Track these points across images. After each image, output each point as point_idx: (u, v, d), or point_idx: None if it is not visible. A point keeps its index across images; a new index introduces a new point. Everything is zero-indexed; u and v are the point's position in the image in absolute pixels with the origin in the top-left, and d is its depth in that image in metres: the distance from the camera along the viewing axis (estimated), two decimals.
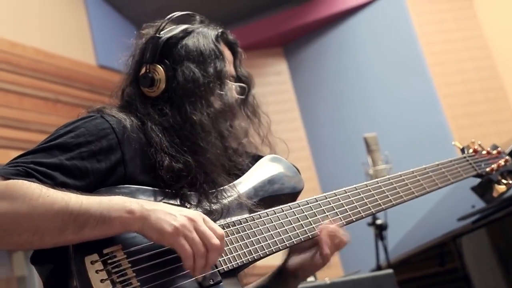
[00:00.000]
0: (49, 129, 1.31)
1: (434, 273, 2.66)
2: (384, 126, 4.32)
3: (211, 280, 1.12)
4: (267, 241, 1.22)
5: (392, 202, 1.41)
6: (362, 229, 2.81)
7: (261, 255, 1.21)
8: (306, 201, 1.32)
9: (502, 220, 2.11)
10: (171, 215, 1.06)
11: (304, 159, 5.01)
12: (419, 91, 4.56)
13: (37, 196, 1.01)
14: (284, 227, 1.26)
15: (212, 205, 1.22)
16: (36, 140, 1.17)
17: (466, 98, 4.55)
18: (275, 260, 1.37)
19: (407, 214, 2.91)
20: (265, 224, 1.24)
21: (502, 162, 1.70)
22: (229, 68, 1.40)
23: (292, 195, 1.36)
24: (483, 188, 2.00)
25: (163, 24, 1.36)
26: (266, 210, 1.27)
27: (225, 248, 1.17)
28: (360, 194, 1.38)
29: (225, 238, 1.17)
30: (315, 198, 1.33)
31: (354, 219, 1.35)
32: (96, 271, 1.02)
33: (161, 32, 1.35)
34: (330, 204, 1.34)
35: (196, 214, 1.09)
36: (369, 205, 1.37)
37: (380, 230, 2.93)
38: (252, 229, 1.22)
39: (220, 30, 1.41)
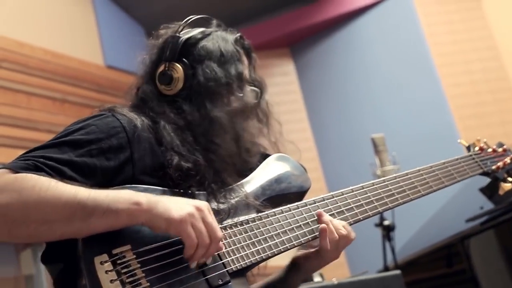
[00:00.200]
0: (57, 129, 1.32)
1: (441, 274, 2.65)
2: (391, 127, 4.32)
3: (220, 280, 1.12)
4: (274, 240, 1.23)
5: (399, 201, 1.42)
6: (369, 229, 2.80)
7: (269, 255, 1.21)
8: (314, 200, 1.33)
9: (511, 221, 2.10)
10: (178, 204, 1.08)
11: (311, 160, 5.00)
12: (427, 92, 4.55)
13: (45, 188, 1.02)
14: (291, 226, 1.26)
15: (220, 204, 1.23)
16: (44, 139, 1.18)
17: (474, 99, 4.54)
18: (286, 260, 1.38)
19: (414, 215, 2.91)
20: (273, 224, 1.25)
21: (508, 160, 1.70)
22: (246, 71, 1.41)
23: (299, 194, 1.37)
24: (492, 189, 1.99)
25: (182, 26, 1.38)
26: (273, 210, 1.28)
27: (233, 248, 1.18)
28: (367, 193, 1.39)
29: (233, 238, 1.19)
30: (323, 197, 1.34)
31: (361, 218, 1.35)
32: (106, 272, 1.03)
33: (180, 33, 1.36)
34: (338, 203, 1.34)
35: (203, 204, 1.11)
36: (376, 204, 1.38)
37: (388, 231, 2.92)
38: (259, 228, 1.23)
39: (238, 34, 1.43)
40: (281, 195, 1.34)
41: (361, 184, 1.40)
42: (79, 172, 1.11)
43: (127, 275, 1.04)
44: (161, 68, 1.34)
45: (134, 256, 1.06)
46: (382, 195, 1.40)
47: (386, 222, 2.92)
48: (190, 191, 1.21)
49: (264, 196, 1.31)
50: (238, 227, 1.21)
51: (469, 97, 4.53)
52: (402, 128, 4.49)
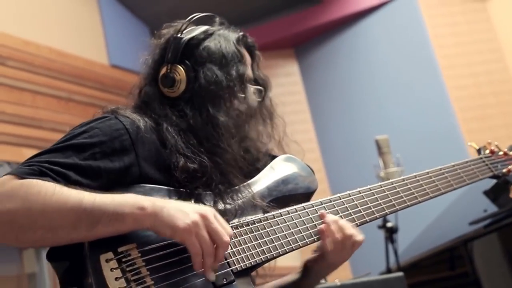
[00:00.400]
0: (62, 128, 1.32)
1: (444, 277, 2.65)
2: (395, 129, 4.31)
3: (224, 280, 1.13)
4: (280, 241, 1.23)
5: (407, 203, 1.41)
6: (372, 231, 2.79)
7: (274, 255, 1.21)
8: (320, 201, 1.33)
9: None
10: (183, 211, 1.07)
11: (314, 161, 5.00)
12: (431, 94, 4.54)
13: (51, 194, 1.02)
14: (297, 227, 1.26)
15: (227, 205, 1.23)
16: (48, 138, 1.19)
17: (478, 101, 4.53)
18: (294, 261, 1.38)
19: (417, 217, 2.90)
20: (279, 224, 1.25)
21: None
22: (249, 71, 1.41)
23: (306, 195, 1.37)
24: (496, 192, 1.99)
25: (184, 25, 1.37)
26: (279, 210, 1.27)
27: (238, 248, 1.18)
28: (374, 195, 1.38)
29: (239, 238, 1.19)
30: (329, 199, 1.34)
31: (368, 220, 1.35)
32: (111, 269, 1.03)
33: (182, 33, 1.36)
34: (344, 204, 1.34)
35: (208, 211, 1.10)
36: (383, 206, 1.37)
37: (391, 233, 2.91)
38: (265, 229, 1.23)
39: (241, 33, 1.42)
40: (288, 196, 1.33)
41: (368, 186, 1.39)
42: (84, 175, 1.11)
43: (132, 273, 1.04)
44: (164, 70, 1.33)
45: (139, 255, 1.07)
46: (390, 198, 1.39)
47: (389, 224, 2.91)
48: (196, 192, 1.21)
49: (270, 197, 1.31)
50: (243, 227, 1.21)
51: (473, 99, 4.53)
52: (406, 129, 4.48)
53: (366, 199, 1.36)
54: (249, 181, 1.32)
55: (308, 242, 1.26)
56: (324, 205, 1.32)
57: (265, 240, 1.21)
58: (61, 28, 4.22)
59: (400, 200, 1.40)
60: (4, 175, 1.07)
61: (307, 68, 5.35)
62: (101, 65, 4.41)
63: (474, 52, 4.65)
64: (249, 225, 1.22)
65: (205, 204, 1.21)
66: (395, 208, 1.39)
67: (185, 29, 1.36)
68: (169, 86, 1.32)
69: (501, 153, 1.69)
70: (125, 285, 1.02)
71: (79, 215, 1.03)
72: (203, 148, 1.26)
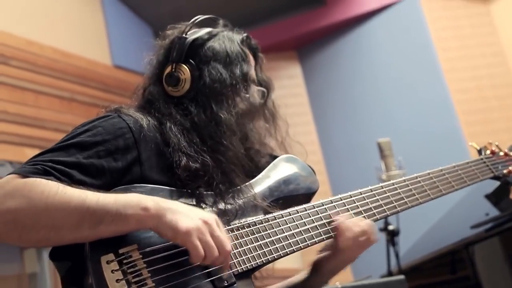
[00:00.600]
0: (64, 128, 1.33)
1: (445, 280, 2.64)
2: (397, 131, 4.31)
3: (226, 282, 1.13)
4: (281, 243, 1.23)
5: (407, 205, 1.41)
6: None
7: (275, 257, 1.21)
8: (322, 202, 1.33)
9: None
10: (187, 216, 1.07)
11: (316, 163, 5.00)
12: (434, 97, 4.54)
13: (54, 193, 1.03)
14: (298, 229, 1.26)
15: (228, 205, 1.23)
16: (51, 138, 1.19)
17: (480, 104, 4.53)
18: (295, 263, 1.38)
19: (419, 220, 2.90)
20: (280, 226, 1.25)
21: None
22: (252, 72, 1.41)
23: (307, 196, 1.37)
24: (497, 195, 1.98)
25: (188, 26, 1.38)
26: (281, 212, 1.28)
27: (240, 250, 1.18)
28: (375, 196, 1.38)
29: (240, 240, 1.19)
30: (331, 200, 1.34)
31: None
32: (112, 271, 1.03)
33: (187, 34, 1.37)
34: (345, 206, 1.34)
35: (211, 218, 1.10)
36: (384, 207, 1.38)
37: (392, 236, 2.91)
38: (266, 230, 1.23)
39: (244, 35, 1.44)
40: (289, 196, 1.34)
41: (370, 187, 1.39)
42: (88, 174, 1.11)
43: (133, 275, 1.04)
44: (168, 69, 1.34)
45: (140, 256, 1.07)
46: (391, 199, 1.39)
47: (390, 227, 2.91)
48: (198, 192, 1.21)
49: (272, 197, 1.31)
50: (245, 229, 1.21)
51: (475, 102, 4.52)
52: (408, 132, 4.48)
53: (367, 200, 1.37)
54: (250, 181, 1.32)
55: (309, 244, 1.26)
56: (325, 206, 1.32)
57: (267, 242, 1.21)
58: (65, 28, 4.23)
59: (401, 201, 1.40)
60: (7, 174, 1.08)
61: (309, 70, 5.35)
62: (104, 66, 4.42)
63: (477, 55, 4.64)
64: (251, 227, 1.22)
65: (206, 204, 1.21)
66: (396, 209, 1.39)
67: (189, 30, 1.38)
68: (174, 85, 1.33)
69: (501, 153, 1.69)
70: (126, 287, 1.02)
71: (82, 214, 1.03)
72: (206, 146, 1.26)
